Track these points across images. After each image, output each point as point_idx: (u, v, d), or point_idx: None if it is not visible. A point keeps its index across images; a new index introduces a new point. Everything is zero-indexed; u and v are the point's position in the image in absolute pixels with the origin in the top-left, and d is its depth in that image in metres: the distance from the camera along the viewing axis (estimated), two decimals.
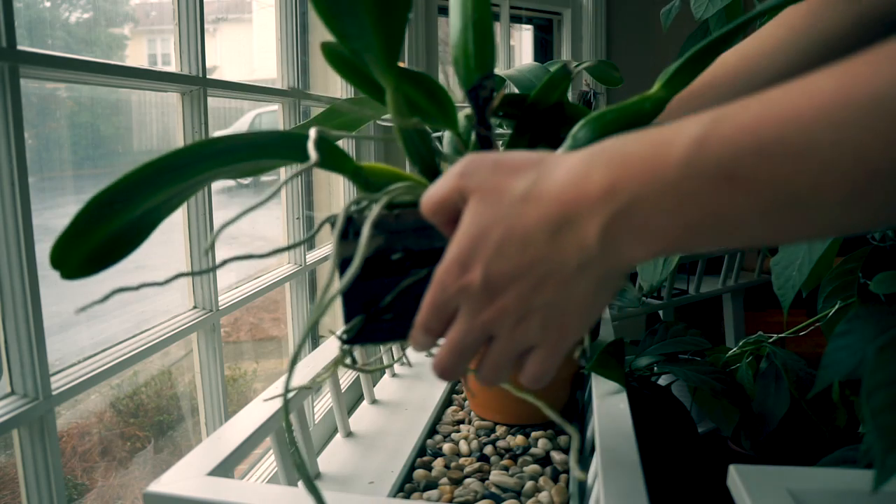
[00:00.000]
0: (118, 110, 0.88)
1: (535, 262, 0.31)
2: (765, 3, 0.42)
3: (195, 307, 0.87)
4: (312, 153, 0.36)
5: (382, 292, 0.37)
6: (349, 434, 0.80)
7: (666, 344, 1.07)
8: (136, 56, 0.91)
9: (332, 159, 0.39)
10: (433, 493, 0.64)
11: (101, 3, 0.82)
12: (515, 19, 2.13)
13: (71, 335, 0.75)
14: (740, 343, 1.24)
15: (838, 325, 0.55)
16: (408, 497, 0.65)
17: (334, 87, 1.39)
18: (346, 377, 1.19)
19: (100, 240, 0.36)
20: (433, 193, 0.34)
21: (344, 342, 0.39)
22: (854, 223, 0.26)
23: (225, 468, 0.53)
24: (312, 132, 0.37)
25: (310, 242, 1.33)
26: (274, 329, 1.33)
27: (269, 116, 1.43)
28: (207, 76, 0.86)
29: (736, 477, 0.43)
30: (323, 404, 1.13)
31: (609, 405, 0.64)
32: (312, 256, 1.22)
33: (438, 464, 0.70)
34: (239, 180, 1.63)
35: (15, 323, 0.57)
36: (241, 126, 1.54)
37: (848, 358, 0.52)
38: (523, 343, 0.33)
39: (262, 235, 1.30)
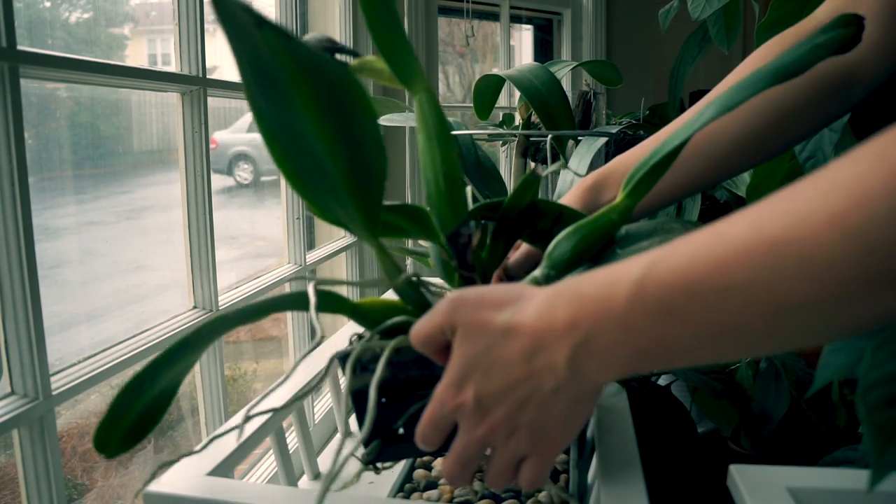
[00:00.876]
0: (118, 110, 0.88)
1: (517, 385, 0.36)
2: (703, 116, 0.43)
3: (195, 307, 0.87)
4: (313, 304, 0.42)
5: (393, 416, 0.43)
6: (349, 434, 0.80)
7: None
8: (136, 56, 0.91)
9: (331, 304, 0.45)
10: (433, 493, 0.64)
11: (101, 3, 0.82)
12: (515, 19, 2.13)
13: (71, 335, 0.75)
14: None
15: None
16: (408, 497, 0.65)
17: None
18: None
19: (131, 421, 0.41)
20: (423, 328, 0.39)
21: (365, 464, 0.45)
22: (782, 347, 0.31)
23: (225, 468, 0.53)
24: (311, 288, 0.43)
25: (309, 242, 1.33)
26: (274, 329, 1.33)
27: None
28: (207, 76, 0.86)
29: (736, 477, 0.43)
30: (323, 404, 1.13)
31: (609, 405, 0.64)
32: (312, 256, 1.22)
33: (438, 463, 0.70)
34: (239, 180, 1.63)
35: (15, 323, 0.57)
36: (241, 126, 1.54)
37: (846, 357, 0.52)
38: (517, 453, 0.38)
39: (262, 235, 1.30)
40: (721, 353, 0.32)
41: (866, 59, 0.54)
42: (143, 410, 0.42)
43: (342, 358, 0.43)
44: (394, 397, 0.43)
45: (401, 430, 0.44)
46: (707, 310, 0.30)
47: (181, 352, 0.41)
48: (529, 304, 0.36)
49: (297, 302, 0.44)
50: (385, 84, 0.48)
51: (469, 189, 0.55)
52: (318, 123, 0.36)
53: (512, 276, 0.57)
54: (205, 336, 0.41)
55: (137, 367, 0.80)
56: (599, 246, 0.42)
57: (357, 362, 0.42)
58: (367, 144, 0.38)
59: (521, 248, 0.59)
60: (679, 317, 0.31)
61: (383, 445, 0.44)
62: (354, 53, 0.48)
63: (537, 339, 0.35)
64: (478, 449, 0.38)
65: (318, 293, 0.43)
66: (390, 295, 0.53)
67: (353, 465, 0.45)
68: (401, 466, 0.69)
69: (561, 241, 0.46)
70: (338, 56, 0.48)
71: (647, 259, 0.33)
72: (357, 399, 0.44)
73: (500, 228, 0.52)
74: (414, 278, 0.45)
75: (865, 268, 0.26)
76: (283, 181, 1.16)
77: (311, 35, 0.49)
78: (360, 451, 0.42)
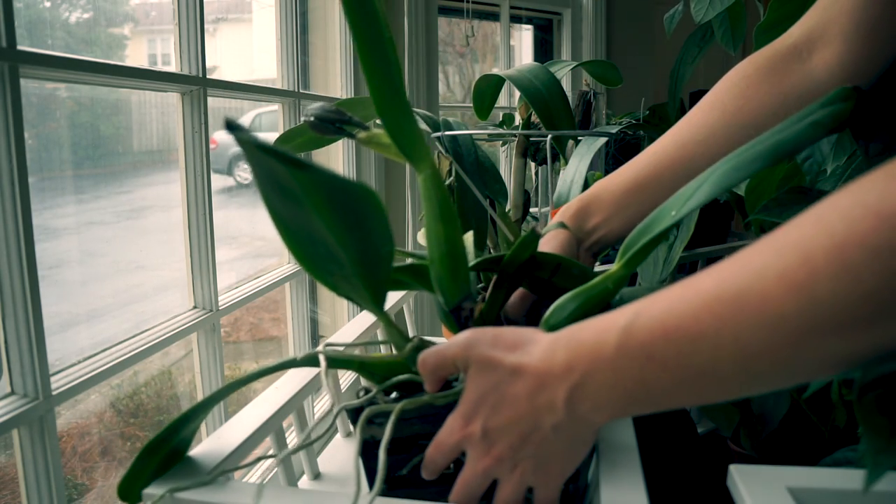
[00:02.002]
0: (118, 110, 0.88)
1: (520, 420, 0.39)
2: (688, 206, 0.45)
3: (195, 307, 0.87)
4: (323, 366, 0.46)
5: (398, 465, 0.47)
6: (349, 434, 0.80)
7: None
8: (136, 56, 0.91)
9: (340, 362, 0.48)
10: None
11: (101, 3, 0.82)
12: (515, 19, 2.14)
13: (71, 335, 0.75)
14: None
15: None
16: None
17: (334, 87, 1.40)
18: (345, 377, 1.19)
19: (151, 471, 0.45)
20: (436, 356, 0.43)
21: None
22: (755, 389, 0.34)
23: (225, 468, 0.53)
24: (322, 358, 0.47)
25: None
26: (274, 329, 1.33)
27: (270, 116, 1.44)
28: (207, 76, 0.86)
29: (736, 477, 0.43)
30: (323, 404, 1.13)
31: None
32: None
33: None
34: (239, 180, 1.63)
35: (15, 323, 0.57)
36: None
37: None
38: (522, 484, 0.41)
39: (262, 236, 1.30)
40: (700, 395, 0.35)
41: (838, 80, 0.55)
42: (159, 463, 0.46)
43: (350, 410, 0.47)
44: (399, 448, 0.46)
45: (405, 472, 0.47)
46: (682, 355, 0.34)
47: (197, 412, 0.46)
48: (536, 347, 0.40)
49: (308, 362, 0.48)
50: (391, 158, 0.49)
51: (470, 236, 0.57)
52: (330, 225, 0.38)
53: (509, 318, 0.59)
54: (217, 397, 0.47)
55: (137, 366, 0.80)
56: (595, 313, 0.44)
57: (366, 419, 0.46)
58: (377, 238, 0.40)
59: (517, 292, 0.61)
60: (659, 361, 0.34)
61: (388, 490, 0.47)
62: (362, 126, 0.49)
63: (540, 379, 0.39)
64: (484, 478, 0.41)
65: (328, 359, 0.47)
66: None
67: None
68: None
69: (557, 309, 0.49)
70: (346, 127, 0.49)
71: (633, 309, 0.36)
72: (365, 448, 0.47)
73: (500, 280, 0.55)
74: (418, 345, 0.48)
75: (811, 318, 0.30)
76: None
77: (321, 106, 0.50)
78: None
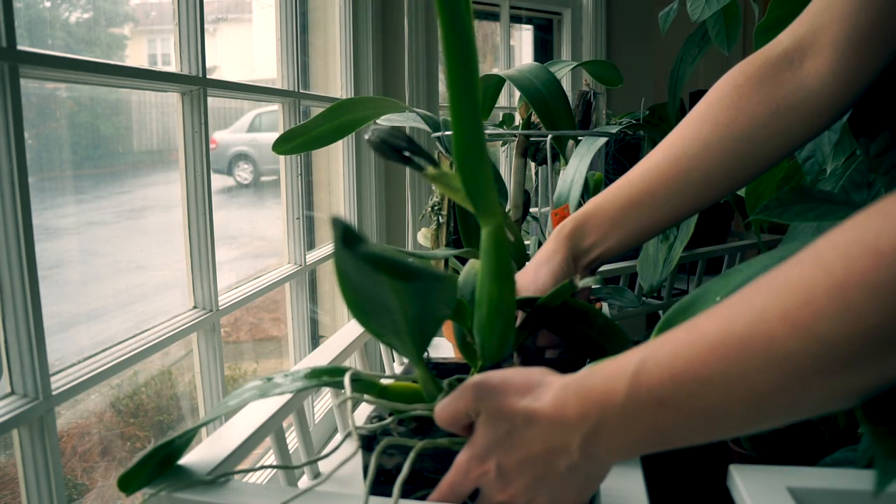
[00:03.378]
0: (118, 110, 0.88)
1: (536, 460, 0.40)
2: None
3: (195, 307, 0.87)
4: (348, 387, 0.48)
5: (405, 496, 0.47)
6: (349, 434, 0.80)
7: None
8: (136, 56, 0.91)
9: (362, 387, 0.50)
10: None
11: (101, 3, 0.82)
12: (515, 19, 2.14)
13: (71, 335, 0.75)
14: None
15: None
16: None
17: (334, 87, 1.40)
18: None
19: (151, 468, 0.48)
20: (447, 410, 0.44)
21: None
22: (765, 426, 0.34)
23: (225, 468, 0.53)
24: (347, 378, 0.48)
25: (309, 242, 1.33)
26: (274, 329, 1.33)
27: (270, 116, 1.43)
28: (207, 76, 0.86)
29: (736, 477, 0.43)
30: (323, 404, 1.13)
31: None
32: (312, 256, 1.22)
33: None
34: (239, 180, 1.63)
35: (15, 323, 0.57)
36: (241, 126, 1.54)
37: None
38: None
39: (262, 235, 1.30)
40: (711, 434, 0.36)
41: (830, 88, 0.55)
42: (159, 461, 0.49)
43: (363, 436, 0.48)
44: (406, 481, 0.47)
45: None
46: (692, 398, 0.34)
47: (208, 419, 0.50)
48: (546, 392, 0.40)
49: (332, 383, 0.50)
50: (457, 201, 0.48)
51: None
52: (401, 298, 0.38)
53: (528, 349, 0.61)
54: (236, 406, 0.50)
55: (137, 366, 0.80)
56: None
57: (381, 450, 0.46)
58: (438, 307, 0.42)
59: (542, 333, 0.62)
60: (670, 405, 0.35)
61: None
62: (432, 161, 0.47)
63: (553, 426, 0.39)
64: None
65: (353, 381, 0.48)
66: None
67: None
68: None
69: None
70: (416, 158, 0.46)
71: (640, 354, 0.37)
72: (368, 473, 0.48)
73: (528, 321, 0.57)
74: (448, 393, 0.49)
75: (817, 357, 0.30)
76: (283, 181, 1.16)
77: (389, 130, 0.46)
78: None
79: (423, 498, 0.46)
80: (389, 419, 0.49)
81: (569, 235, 0.63)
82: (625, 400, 0.36)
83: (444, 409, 0.44)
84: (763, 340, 0.32)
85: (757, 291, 0.33)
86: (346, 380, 0.48)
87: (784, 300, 0.31)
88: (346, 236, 0.31)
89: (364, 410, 0.88)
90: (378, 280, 0.36)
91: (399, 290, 0.37)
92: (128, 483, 0.47)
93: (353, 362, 0.92)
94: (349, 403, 0.47)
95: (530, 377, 0.42)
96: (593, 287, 0.75)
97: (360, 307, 0.41)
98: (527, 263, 0.65)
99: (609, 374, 0.38)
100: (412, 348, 0.45)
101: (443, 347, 1.03)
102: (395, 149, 0.46)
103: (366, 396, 0.49)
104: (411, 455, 0.44)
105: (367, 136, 0.47)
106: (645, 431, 0.36)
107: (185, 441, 0.51)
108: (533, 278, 0.62)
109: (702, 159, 0.59)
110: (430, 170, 0.47)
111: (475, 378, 0.44)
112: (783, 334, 0.31)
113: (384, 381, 0.52)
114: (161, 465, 0.50)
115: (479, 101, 0.41)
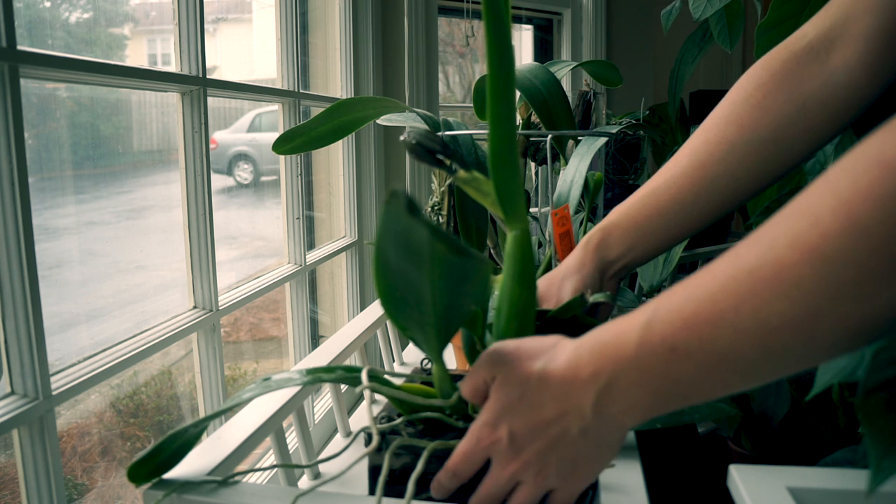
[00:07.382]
0: (118, 110, 0.88)
1: (548, 425, 0.40)
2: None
3: (195, 307, 0.87)
4: (365, 380, 0.49)
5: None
6: (349, 434, 0.80)
7: None
8: (136, 56, 0.91)
9: (378, 385, 0.50)
10: None
11: (101, 3, 0.82)
12: (515, 19, 2.13)
13: (71, 335, 0.75)
14: None
15: None
16: None
17: (334, 87, 1.40)
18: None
19: (159, 461, 0.49)
20: (469, 384, 0.44)
21: None
22: (778, 371, 0.33)
23: (225, 468, 0.53)
24: (364, 374, 0.49)
25: (309, 242, 1.33)
26: (274, 329, 1.33)
27: (270, 116, 1.43)
28: (207, 76, 0.86)
29: (736, 477, 0.43)
30: (323, 404, 1.13)
31: None
32: (312, 256, 1.22)
33: None
34: (239, 180, 1.63)
35: (15, 323, 0.57)
36: (241, 126, 1.54)
37: (846, 360, 0.52)
38: (545, 488, 0.41)
39: (262, 236, 1.30)
40: (726, 383, 0.35)
41: (858, 82, 0.53)
42: (168, 454, 0.49)
43: (370, 435, 0.48)
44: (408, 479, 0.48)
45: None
46: (704, 341, 0.33)
47: (223, 412, 0.51)
48: (560, 354, 0.40)
49: (348, 379, 0.52)
50: (486, 205, 0.49)
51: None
52: (436, 285, 0.39)
53: None
54: (248, 399, 0.51)
55: (137, 366, 0.80)
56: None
57: (393, 451, 0.47)
58: (467, 300, 0.42)
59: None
60: (682, 352, 0.34)
61: None
62: (464, 165, 0.48)
63: (566, 385, 0.39)
64: (508, 483, 0.42)
65: (371, 378, 0.50)
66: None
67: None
68: None
69: None
70: (449, 161, 0.47)
71: (653, 304, 0.37)
72: (372, 473, 0.49)
73: (539, 332, 0.59)
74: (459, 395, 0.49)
75: (826, 280, 0.29)
76: (283, 181, 1.16)
77: (424, 132, 0.47)
78: None
79: (428, 500, 0.46)
80: (399, 420, 0.49)
81: (596, 247, 0.62)
82: (637, 350, 0.36)
83: (466, 383, 0.44)
84: (772, 269, 0.31)
85: (768, 225, 0.33)
86: (364, 375, 0.49)
87: (792, 227, 0.31)
88: (411, 206, 0.32)
89: (367, 413, 0.88)
90: (419, 262, 0.36)
91: (436, 277, 0.37)
92: (137, 473, 0.47)
93: (354, 362, 0.92)
94: (368, 402, 0.50)
95: (544, 342, 0.42)
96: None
97: (391, 295, 0.41)
98: (548, 274, 0.65)
99: (622, 327, 0.38)
100: (435, 343, 0.45)
101: (446, 357, 1.03)
102: (429, 151, 0.47)
103: (384, 389, 0.49)
104: (424, 454, 0.44)
105: (402, 138, 0.48)
106: (658, 384, 0.36)
107: (199, 430, 0.51)
108: (557, 290, 0.62)
109: (728, 163, 0.57)
110: (462, 173, 0.48)
111: (491, 347, 0.44)
112: (792, 260, 0.30)
113: (395, 382, 0.52)
114: (175, 453, 0.50)
115: (514, 112, 0.42)
